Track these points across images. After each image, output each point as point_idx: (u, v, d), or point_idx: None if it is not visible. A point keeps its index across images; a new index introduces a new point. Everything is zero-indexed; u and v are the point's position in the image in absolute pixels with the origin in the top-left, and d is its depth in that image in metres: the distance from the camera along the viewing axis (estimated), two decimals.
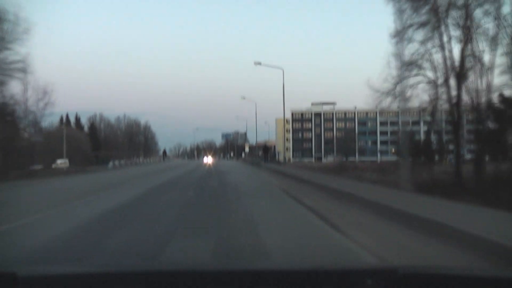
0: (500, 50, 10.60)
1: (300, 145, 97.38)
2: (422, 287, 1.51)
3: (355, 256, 4.71)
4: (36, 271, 1.75)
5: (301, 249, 5.03)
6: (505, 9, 10.55)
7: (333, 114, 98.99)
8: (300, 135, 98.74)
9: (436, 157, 22.49)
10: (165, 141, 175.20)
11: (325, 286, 1.51)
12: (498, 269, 2.97)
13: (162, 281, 1.53)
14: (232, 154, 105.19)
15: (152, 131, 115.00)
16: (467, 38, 11.07)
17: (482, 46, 11.00)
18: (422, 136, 35.34)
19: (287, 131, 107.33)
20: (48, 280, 1.54)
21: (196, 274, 1.63)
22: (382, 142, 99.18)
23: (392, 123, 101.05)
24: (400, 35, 11.27)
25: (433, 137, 21.94)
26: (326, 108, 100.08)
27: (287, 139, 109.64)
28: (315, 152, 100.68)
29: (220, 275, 1.63)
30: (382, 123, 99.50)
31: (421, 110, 14.34)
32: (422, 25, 11.58)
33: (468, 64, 11.17)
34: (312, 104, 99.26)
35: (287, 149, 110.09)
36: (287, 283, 1.53)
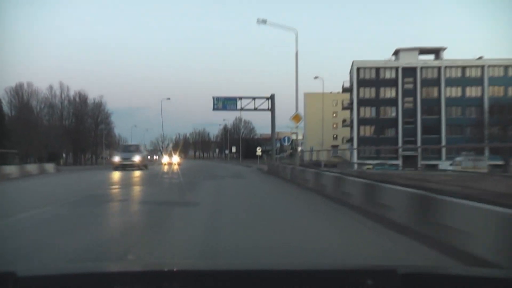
0: None
1: (376, 132, 50.46)
2: (422, 287, 1.63)
3: None
4: (36, 271, 1.88)
5: None
6: None
7: (439, 70, 51.66)
8: (372, 112, 51.43)
9: None
10: (140, 132, 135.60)
11: (325, 286, 1.63)
12: (498, 269, 3.26)
13: (162, 281, 1.62)
14: (233, 151, 76.81)
15: (106, 112, 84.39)
16: None
17: None
18: None
19: (344, 106, 60.83)
20: (48, 280, 1.64)
21: (195, 274, 1.76)
22: None
23: None
24: None
25: None
26: (426, 59, 53.58)
27: (344, 122, 62.11)
28: (400, 148, 53.95)
29: (220, 275, 1.73)
30: None
31: None
32: None
33: None
34: (399, 50, 52.34)
35: (344, 141, 63.52)
36: (287, 283, 1.64)
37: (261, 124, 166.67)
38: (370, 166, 52.45)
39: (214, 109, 38.73)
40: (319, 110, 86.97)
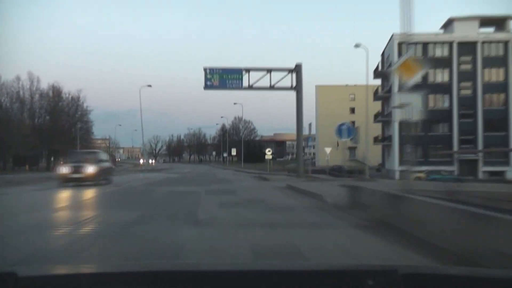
0: None
1: (424, 128, 35.73)
2: (422, 287, 1.64)
3: None
4: (36, 271, 1.89)
5: None
6: None
7: (505, 46, 37.25)
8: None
9: None
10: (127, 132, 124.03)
11: (325, 286, 1.64)
12: (498, 269, 3.23)
13: (162, 281, 1.64)
14: (233, 153, 66.44)
15: (83, 107, 71.42)
16: None
17: None
18: None
19: (377, 96, 46.68)
20: (48, 280, 1.65)
21: (196, 274, 1.76)
22: None
23: None
24: None
25: None
26: (488, 32, 46.47)
27: (377, 116, 47.41)
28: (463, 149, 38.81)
29: (220, 275, 1.73)
30: None
31: None
32: None
33: None
34: (453, 20, 37.65)
35: (378, 140, 49.59)
36: (287, 283, 1.65)
37: (262, 125, 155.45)
38: (422, 175, 39.02)
39: (206, 86, 24.97)
40: (332, 104, 74.06)
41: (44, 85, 69.64)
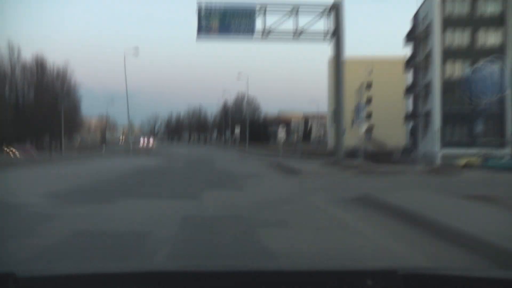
0: None
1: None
2: (422, 287, 1.65)
3: None
4: (36, 271, 1.90)
5: None
6: None
7: None
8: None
9: None
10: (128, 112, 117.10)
11: (325, 286, 1.65)
12: (498, 269, 3.17)
13: (162, 281, 1.64)
14: (238, 133, 58.04)
15: (71, 84, 61.67)
16: None
17: None
18: None
19: (412, 63, 37.75)
20: (48, 280, 1.66)
21: (196, 274, 1.76)
22: None
23: None
24: None
25: None
26: None
27: (410, 89, 38.75)
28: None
29: (220, 275, 1.74)
30: None
31: None
32: None
33: None
34: None
35: (410, 116, 42.47)
36: (287, 283, 1.66)
37: (265, 102, 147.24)
38: (475, 159, 31.24)
39: (200, 33, 17.06)
40: (346, 79, 66.22)
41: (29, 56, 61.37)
